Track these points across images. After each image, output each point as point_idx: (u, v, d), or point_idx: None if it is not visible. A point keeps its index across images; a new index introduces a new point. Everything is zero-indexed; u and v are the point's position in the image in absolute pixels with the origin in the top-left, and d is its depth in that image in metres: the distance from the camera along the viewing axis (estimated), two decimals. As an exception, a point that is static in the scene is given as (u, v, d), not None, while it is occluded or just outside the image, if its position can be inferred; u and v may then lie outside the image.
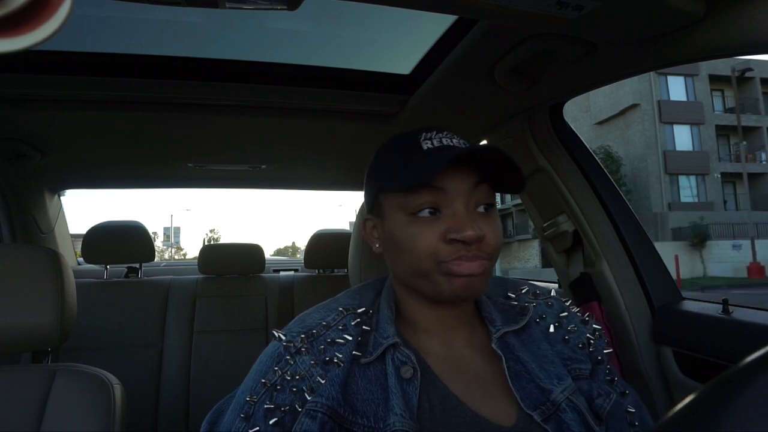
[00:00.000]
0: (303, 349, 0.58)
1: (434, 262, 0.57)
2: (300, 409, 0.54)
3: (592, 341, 0.66)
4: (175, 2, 0.61)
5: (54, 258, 0.90)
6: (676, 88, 21.28)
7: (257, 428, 0.54)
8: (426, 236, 0.57)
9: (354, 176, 2.04)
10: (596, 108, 22.53)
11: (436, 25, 1.00)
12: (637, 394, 0.66)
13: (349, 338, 0.59)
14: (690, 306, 1.14)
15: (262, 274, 2.10)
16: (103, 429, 0.81)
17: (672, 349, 1.10)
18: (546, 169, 1.27)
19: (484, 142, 1.44)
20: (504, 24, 0.84)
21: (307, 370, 0.56)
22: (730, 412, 0.22)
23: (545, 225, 1.38)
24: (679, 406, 0.24)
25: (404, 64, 1.20)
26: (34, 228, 1.99)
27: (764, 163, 21.66)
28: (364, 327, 0.61)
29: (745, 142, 19.30)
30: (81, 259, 2.41)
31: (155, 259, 2.14)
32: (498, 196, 0.81)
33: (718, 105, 22.20)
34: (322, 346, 0.58)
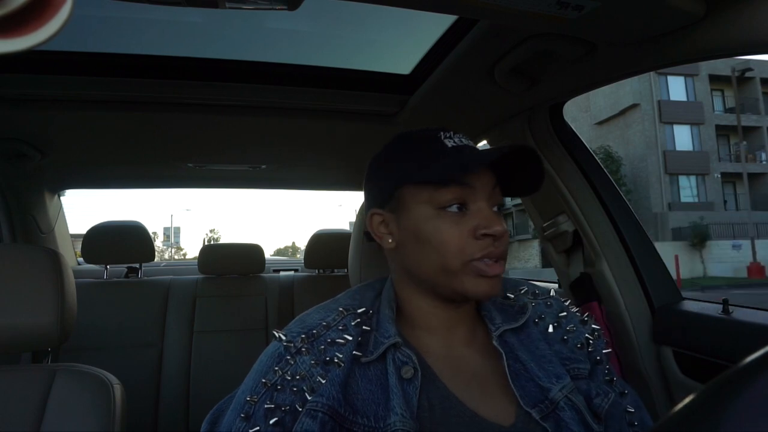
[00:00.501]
0: (303, 349, 0.58)
1: (462, 260, 0.58)
2: (300, 409, 0.54)
3: (591, 341, 0.66)
4: (175, 2, 0.61)
5: (54, 258, 0.90)
6: (676, 88, 21.28)
7: (257, 428, 0.54)
8: (455, 231, 0.58)
9: (354, 176, 2.04)
10: (596, 108, 22.53)
11: (436, 25, 1.00)
12: (637, 394, 0.66)
13: (350, 338, 0.59)
14: (690, 306, 1.14)
15: (262, 274, 2.10)
16: (103, 429, 0.81)
17: (672, 349, 1.10)
18: (546, 169, 1.27)
19: (484, 142, 1.44)
20: (504, 24, 0.84)
21: (307, 370, 0.56)
22: (730, 412, 0.22)
23: (545, 225, 1.38)
24: (679, 406, 0.24)
25: (404, 64, 1.20)
26: (34, 228, 1.99)
27: (764, 163, 21.66)
28: (364, 327, 0.61)
29: (745, 142, 19.30)
30: (81, 259, 2.41)
31: (155, 259, 2.14)
32: None
33: (718, 105, 22.20)
34: (323, 346, 0.58)
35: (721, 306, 1.03)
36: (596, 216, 1.23)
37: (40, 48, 0.26)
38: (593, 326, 0.68)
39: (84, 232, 1.98)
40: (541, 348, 0.63)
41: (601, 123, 22.57)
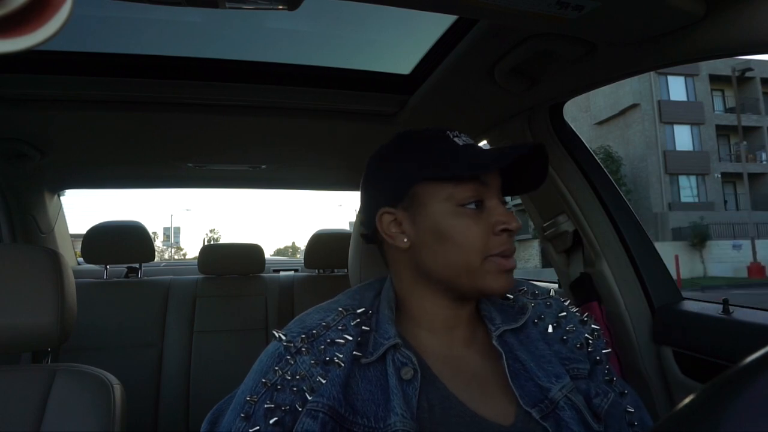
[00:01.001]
0: (303, 349, 0.58)
1: (483, 256, 0.59)
2: (300, 409, 0.54)
3: (590, 341, 0.66)
4: (175, 2, 0.61)
5: (54, 258, 0.90)
6: (676, 88, 21.28)
7: (257, 428, 0.54)
8: (476, 228, 0.59)
9: (354, 176, 2.04)
10: (596, 108, 22.52)
11: (436, 25, 1.00)
12: (637, 394, 0.66)
13: (349, 338, 0.59)
14: (690, 306, 1.14)
15: (262, 274, 2.10)
16: (103, 429, 0.81)
17: (672, 349, 1.10)
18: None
19: (484, 142, 1.44)
20: (504, 24, 0.84)
21: (307, 370, 0.56)
22: (730, 412, 0.22)
23: (545, 225, 1.38)
24: (679, 406, 0.24)
25: (404, 64, 1.20)
26: (34, 228, 1.99)
27: (764, 163, 21.66)
28: (363, 327, 0.61)
29: (745, 142, 19.29)
30: (81, 259, 2.41)
31: (155, 259, 2.14)
32: None
33: (718, 105, 22.20)
34: (322, 347, 0.58)
35: (721, 306, 1.03)
36: (596, 216, 1.23)
37: (40, 48, 0.26)
38: (593, 326, 0.68)
39: (84, 232, 1.98)
40: (540, 348, 0.63)
41: (601, 123, 22.56)
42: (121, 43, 1.14)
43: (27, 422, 0.79)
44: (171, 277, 2.05)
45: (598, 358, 0.66)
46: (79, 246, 2.04)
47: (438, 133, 0.64)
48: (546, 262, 16.65)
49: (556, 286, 1.49)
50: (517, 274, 0.69)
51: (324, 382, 0.55)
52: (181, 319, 1.88)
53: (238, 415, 0.55)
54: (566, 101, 1.23)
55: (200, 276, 2.05)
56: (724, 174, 21.37)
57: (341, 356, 0.57)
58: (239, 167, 1.94)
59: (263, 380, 0.56)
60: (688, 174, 21.08)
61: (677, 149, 20.96)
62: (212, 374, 1.81)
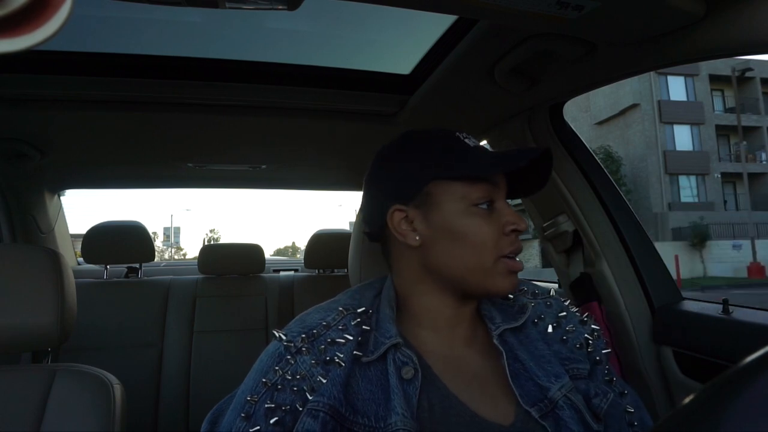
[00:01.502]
0: (303, 349, 0.58)
1: (495, 256, 0.59)
2: (301, 409, 0.54)
3: (590, 341, 0.66)
4: (175, 2, 0.61)
5: (54, 258, 0.89)
6: (676, 88, 21.28)
7: (258, 427, 0.54)
8: (488, 228, 0.60)
9: (354, 176, 2.04)
10: (596, 108, 22.52)
11: (436, 25, 1.00)
12: (637, 395, 0.66)
13: (350, 338, 0.59)
14: (690, 306, 1.14)
15: (262, 274, 2.10)
16: (103, 429, 0.81)
17: (672, 349, 1.10)
18: (546, 170, 1.27)
19: (484, 142, 1.44)
20: (504, 24, 0.84)
21: (307, 369, 0.56)
22: (730, 412, 0.22)
23: (545, 225, 1.38)
24: (679, 406, 0.24)
25: (404, 64, 1.20)
26: (34, 228, 1.99)
27: (764, 163, 21.66)
28: (364, 327, 0.61)
29: (745, 142, 19.29)
30: (81, 259, 2.41)
31: (155, 259, 2.14)
32: None
33: (718, 105, 22.20)
34: (323, 346, 0.58)
35: (721, 306, 1.03)
36: (596, 216, 1.23)
37: (40, 48, 0.26)
38: (593, 326, 0.68)
39: (84, 232, 1.98)
40: (539, 348, 0.63)
41: (601, 123, 22.56)
42: (121, 43, 1.14)
43: (27, 422, 0.79)
44: (171, 277, 2.05)
45: (598, 358, 0.66)
46: (79, 246, 2.04)
47: (449, 134, 0.64)
48: (546, 262, 16.65)
49: (556, 286, 1.49)
50: (517, 274, 0.69)
51: (324, 381, 0.55)
52: (181, 319, 1.88)
53: (238, 415, 0.55)
54: (566, 101, 1.23)
55: (200, 276, 2.05)
56: (724, 174, 21.37)
57: (342, 356, 0.57)
58: (239, 167, 1.94)
59: (263, 380, 0.57)
60: (688, 174, 21.08)
61: (677, 149, 20.96)
62: (212, 374, 1.81)
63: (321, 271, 2.17)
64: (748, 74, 20.04)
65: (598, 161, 1.28)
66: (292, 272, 2.34)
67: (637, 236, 1.22)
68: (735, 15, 0.68)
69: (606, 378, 0.65)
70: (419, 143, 0.65)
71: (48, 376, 0.84)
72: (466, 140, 0.63)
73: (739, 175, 19.99)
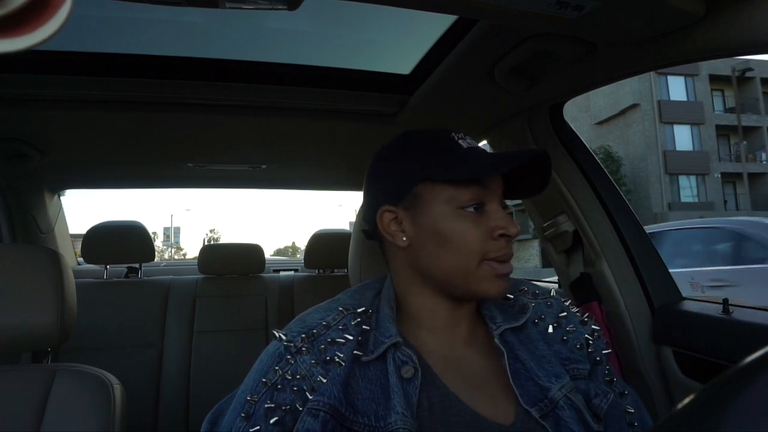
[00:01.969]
0: (303, 349, 0.58)
1: (480, 260, 0.58)
2: (301, 409, 0.54)
3: (590, 342, 0.66)
4: (175, 2, 0.61)
5: (54, 258, 0.89)
6: (676, 88, 21.27)
7: (258, 427, 0.54)
8: (475, 232, 0.59)
9: (354, 176, 2.04)
10: (596, 108, 22.52)
11: (436, 25, 1.00)
12: (637, 395, 0.67)
13: (350, 338, 0.59)
14: (690, 306, 1.14)
15: (262, 274, 2.10)
16: (103, 429, 0.81)
17: (672, 349, 1.10)
18: (546, 170, 1.27)
19: (484, 142, 1.44)
20: (504, 24, 0.84)
21: (307, 369, 0.56)
22: (730, 412, 0.22)
23: (545, 225, 1.38)
24: (679, 406, 0.24)
25: (404, 64, 1.20)
26: (34, 228, 1.99)
27: (764, 163, 21.66)
28: (364, 326, 0.61)
29: (745, 142, 19.29)
30: (81, 259, 2.41)
31: (155, 259, 2.14)
32: None
33: (718, 105, 22.20)
34: (323, 346, 0.58)
35: (721, 306, 1.03)
36: (596, 216, 1.23)
37: (40, 48, 0.26)
38: (593, 327, 0.68)
39: (84, 232, 1.98)
40: (540, 348, 0.63)
41: (601, 123, 22.56)
42: (122, 43, 1.14)
43: (27, 422, 0.79)
44: (171, 277, 2.05)
45: (598, 358, 0.66)
46: (79, 246, 2.04)
47: (443, 134, 0.64)
48: (546, 262, 16.65)
49: (556, 286, 1.49)
50: (517, 274, 0.69)
51: (324, 381, 0.55)
52: (181, 319, 1.88)
53: (238, 415, 0.55)
54: (566, 101, 1.23)
55: (200, 276, 2.05)
56: (724, 174, 21.37)
57: (342, 355, 0.57)
58: (239, 167, 1.94)
59: (263, 380, 0.57)
60: (688, 174, 21.09)
61: (677, 149, 20.96)
62: (212, 374, 1.81)
63: (321, 271, 2.17)
64: (748, 74, 20.05)
65: (598, 161, 1.28)
66: (292, 272, 2.34)
67: (637, 236, 1.22)
68: (735, 15, 0.68)
69: (606, 378, 0.65)
70: (411, 144, 0.65)
71: (48, 376, 0.84)
72: (461, 141, 0.63)
73: (739, 175, 19.99)
